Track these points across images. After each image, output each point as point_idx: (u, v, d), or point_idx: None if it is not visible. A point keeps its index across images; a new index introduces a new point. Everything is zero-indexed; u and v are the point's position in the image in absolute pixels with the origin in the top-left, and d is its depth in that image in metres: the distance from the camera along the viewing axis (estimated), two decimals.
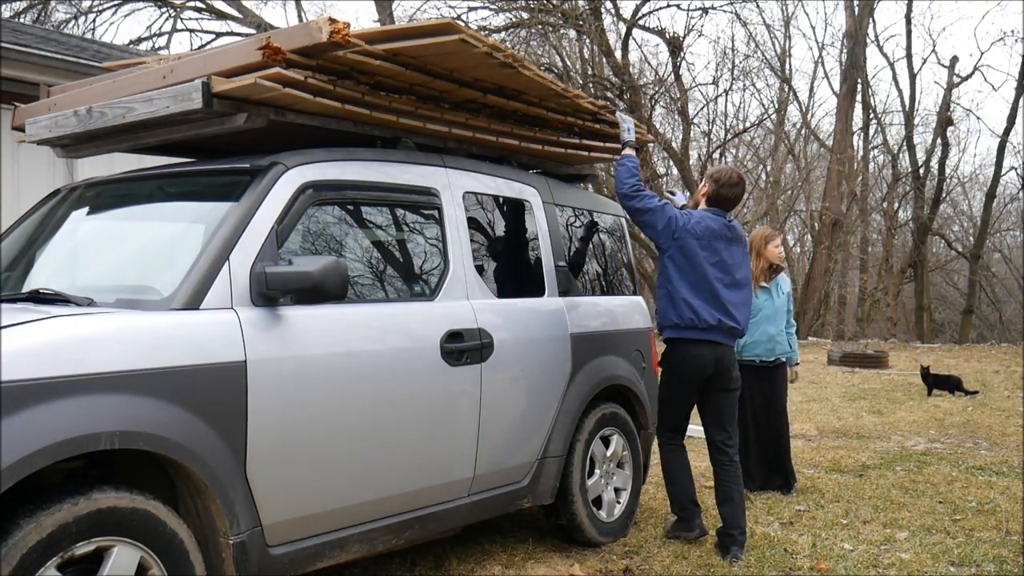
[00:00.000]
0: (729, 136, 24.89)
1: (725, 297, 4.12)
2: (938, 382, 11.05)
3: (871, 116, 27.63)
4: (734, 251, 4.21)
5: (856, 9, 24.17)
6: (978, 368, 14.29)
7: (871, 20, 25.55)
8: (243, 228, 2.87)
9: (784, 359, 5.56)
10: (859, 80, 25.03)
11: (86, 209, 3.57)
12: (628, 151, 4.31)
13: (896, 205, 27.90)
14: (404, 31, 3.16)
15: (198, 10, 21.58)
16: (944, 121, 25.49)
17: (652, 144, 18.69)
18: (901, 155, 27.46)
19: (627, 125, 4.38)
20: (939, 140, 26.16)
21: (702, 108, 24.47)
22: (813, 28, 51.96)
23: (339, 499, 3.06)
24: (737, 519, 4.14)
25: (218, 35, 21.52)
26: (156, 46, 20.23)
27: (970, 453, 6.80)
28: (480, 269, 3.77)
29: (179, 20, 21.27)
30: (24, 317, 2.40)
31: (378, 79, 3.30)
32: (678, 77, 22.20)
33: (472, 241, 3.74)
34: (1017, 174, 27.78)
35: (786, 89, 26.29)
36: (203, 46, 20.36)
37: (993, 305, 29.09)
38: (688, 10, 25.87)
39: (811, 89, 40.73)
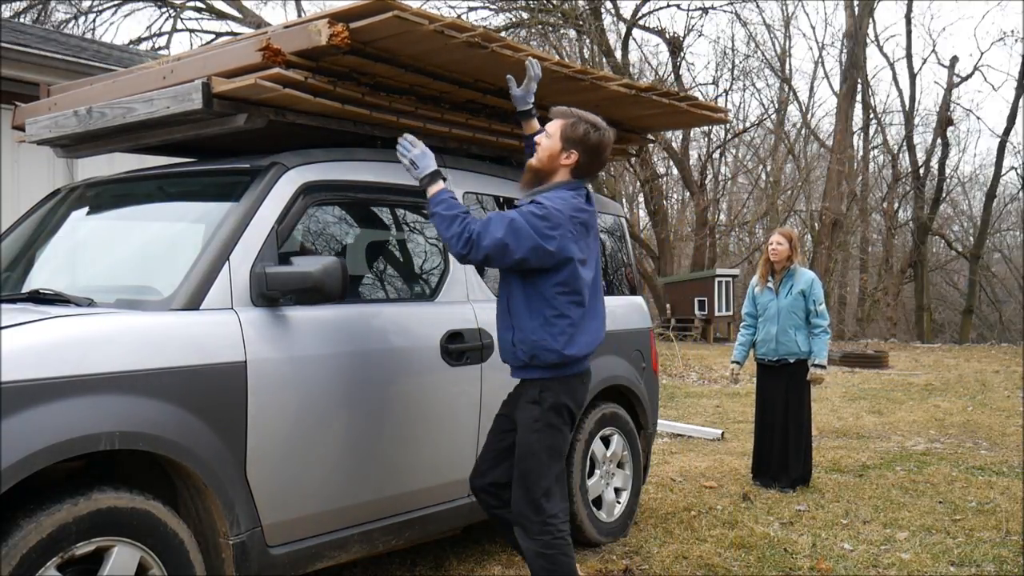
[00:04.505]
0: (729, 136, 24.92)
1: None
2: None
3: (871, 116, 27.66)
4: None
5: (856, 9, 24.17)
6: (978, 368, 14.27)
7: (871, 20, 25.57)
8: (243, 228, 2.87)
9: (792, 360, 5.53)
10: (859, 80, 25.03)
11: (86, 209, 3.57)
12: (435, 187, 2.97)
13: (896, 205, 27.92)
14: (336, 14, 2.91)
15: (198, 10, 21.62)
16: (944, 121, 25.51)
17: (652, 144, 18.68)
18: (901, 155, 27.49)
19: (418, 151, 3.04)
20: (939, 140, 26.18)
21: None
22: (813, 28, 52.06)
23: (339, 499, 3.06)
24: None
25: (218, 35, 21.52)
26: (156, 46, 20.24)
27: (970, 453, 6.80)
28: (480, 269, 3.76)
29: (179, 20, 21.31)
30: (24, 317, 2.40)
31: (378, 79, 3.30)
32: (678, 77, 22.23)
33: None
34: (1017, 174, 27.82)
35: (786, 89, 26.33)
36: (203, 46, 20.36)
37: (993, 305, 29.08)
38: (688, 10, 25.94)
39: (811, 89, 40.83)
